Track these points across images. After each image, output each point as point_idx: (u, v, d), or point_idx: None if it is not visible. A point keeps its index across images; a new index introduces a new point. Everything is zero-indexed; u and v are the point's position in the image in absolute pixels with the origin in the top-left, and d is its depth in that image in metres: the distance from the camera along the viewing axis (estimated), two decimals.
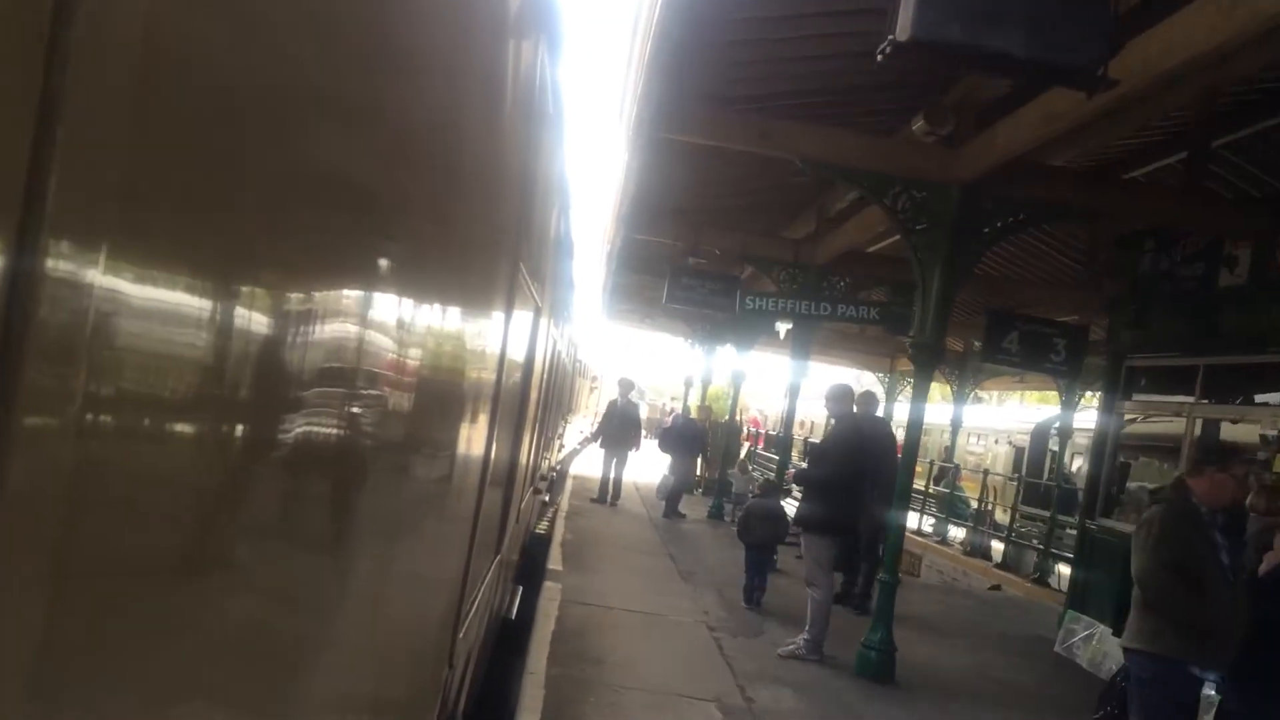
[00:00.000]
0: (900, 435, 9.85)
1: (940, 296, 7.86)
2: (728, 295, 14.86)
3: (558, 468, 19.14)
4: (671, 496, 17.16)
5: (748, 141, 8.57)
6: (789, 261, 13.61)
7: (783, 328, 15.06)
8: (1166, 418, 11.09)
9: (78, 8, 0.59)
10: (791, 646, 8.12)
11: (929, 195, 7.81)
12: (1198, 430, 9.77)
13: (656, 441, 20.33)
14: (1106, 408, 11.37)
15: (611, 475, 17.38)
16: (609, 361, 44.41)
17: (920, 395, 8.72)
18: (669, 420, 22.44)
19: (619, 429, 17.80)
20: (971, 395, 25.41)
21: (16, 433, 0.59)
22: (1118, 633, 8.09)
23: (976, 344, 19.90)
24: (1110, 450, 11.10)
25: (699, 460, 20.27)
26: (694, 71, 7.69)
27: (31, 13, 0.57)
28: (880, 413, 12.12)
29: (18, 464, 0.60)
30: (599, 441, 18.81)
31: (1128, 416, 11.21)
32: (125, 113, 0.66)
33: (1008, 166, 7.32)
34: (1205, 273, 9.56)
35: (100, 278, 0.65)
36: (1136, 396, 11.02)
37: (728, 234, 14.28)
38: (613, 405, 18.55)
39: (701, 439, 19.28)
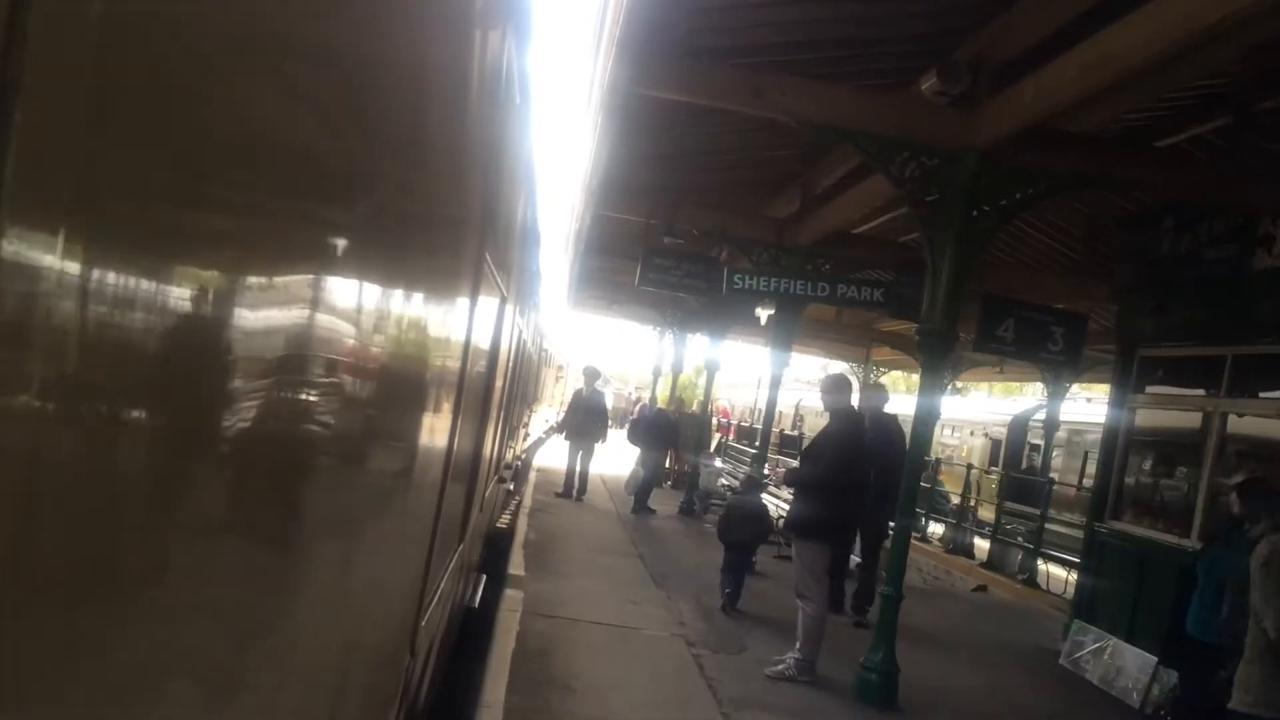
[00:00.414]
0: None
1: (953, 276, 7.60)
2: (706, 278, 14.55)
3: (522, 457, 19.44)
4: (641, 491, 17.04)
5: (735, 99, 8.18)
6: (772, 242, 13.21)
7: (764, 313, 14.65)
8: (1167, 409, 10.80)
9: None
10: (780, 666, 7.81)
11: (941, 162, 7.52)
12: (1219, 426, 9.46)
13: (625, 433, 20.06)
14: (1116, 402, 11.14)
15: (577, 468, 17.25)
16: (575, 350, 44.41)
17: (929, 386, 8.51)
18: (636, 411, 22.96)
19: (584, 420, 17.65)
20: (950, 386, 25.43)
21: None
22: (1165, 656, 7.63)
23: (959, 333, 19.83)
24: (1122, 448, 10.92)
25: (670, 454, 20.08)
26: (675, 19, 7.27)
27: None
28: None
29: None
30: (564, 433, 18.52)
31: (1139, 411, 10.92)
32: (85, 94, 0.69)
33: (1029, 132, 7.04)
34: (1238, 254, 9.24)
35: (57, 263, 0.68)
36: (1150, 389, 10.83)
37: (706, 212, 13.88)
38: (578, 395, 18.36)
39: (673, 431, 19.03)
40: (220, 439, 1.10)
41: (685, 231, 14.15)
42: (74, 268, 0.70)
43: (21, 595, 0.70)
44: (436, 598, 4.11)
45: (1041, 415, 21.32)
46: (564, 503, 16.47)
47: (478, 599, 7.84)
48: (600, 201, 12.98)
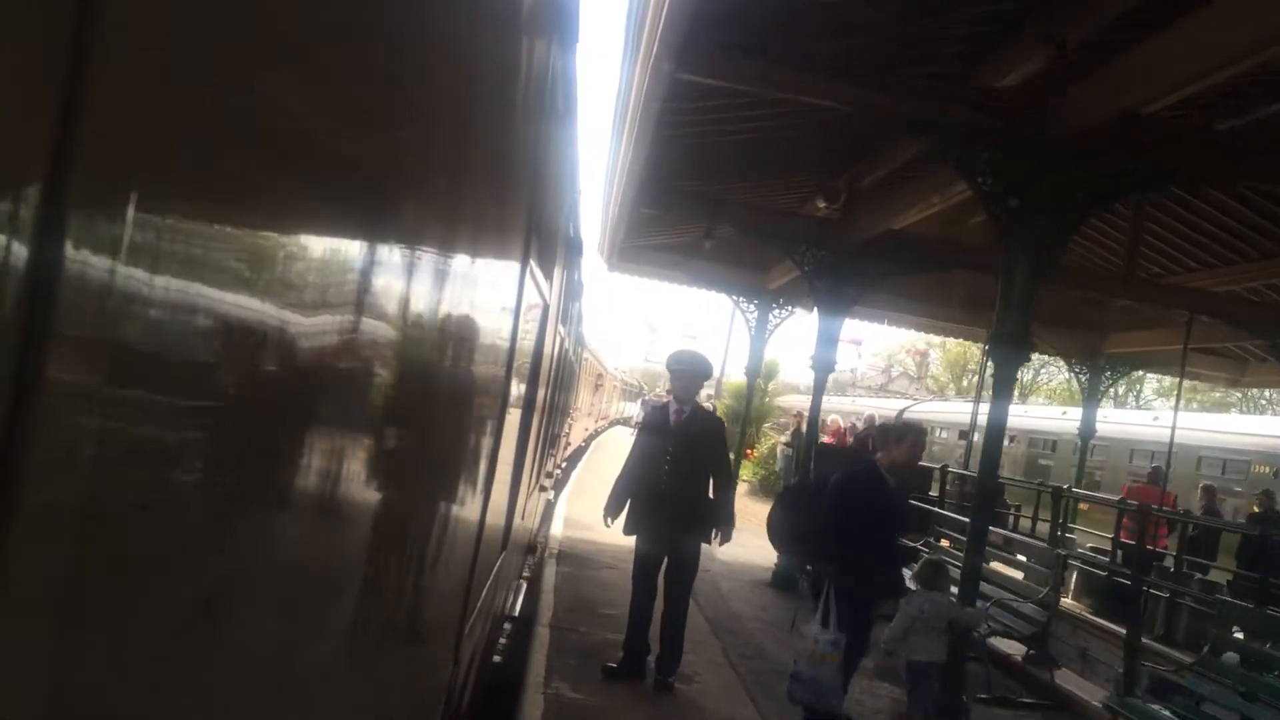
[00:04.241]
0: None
1: None
2: None
3: (562, 465, 18.41)
4: (830, 689, 6.56)
5: None
6: None
7: None
8: None
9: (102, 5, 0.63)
10: None
11: None
12: None
13: (775, 527, 8.05)
14: None
15: (658, 603, 7.75)
16: (615, 348, 41.02)
17: None
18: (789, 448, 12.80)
19: (674, 483, 7.63)
20: None
21: (36, 431, 0.63)
22: None
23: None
24: None
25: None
26: None
27: (56, 10, 0.61)
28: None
29: (36, 460, 0.64)
30: (624, 513, 7.91)
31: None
32: (146, 107, 0.72)
33: None
34: None
35: (121, 270, 0.70)
36: None
37: None
38: (656, 417, 8.14)
39: (892, 512, 7.10)
40: (276, 444, 1.16)
41: None
42: (138, 276, 0.72)
43: (67, 598, 0.72)
44: (480, 606, 4.16)
45: None
46: (623, 703, 7.07)
47: (517, 607, 7.83)
48: None
